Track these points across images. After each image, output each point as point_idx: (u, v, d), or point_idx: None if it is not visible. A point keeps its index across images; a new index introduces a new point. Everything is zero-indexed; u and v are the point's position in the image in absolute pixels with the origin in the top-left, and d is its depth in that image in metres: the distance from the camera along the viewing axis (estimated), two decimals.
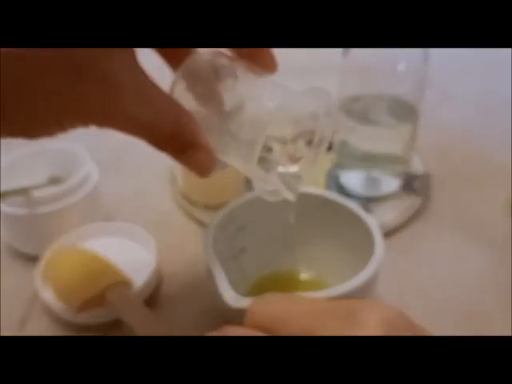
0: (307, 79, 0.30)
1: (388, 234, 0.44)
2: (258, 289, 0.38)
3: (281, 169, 0.30)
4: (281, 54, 0.31)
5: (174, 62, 0.30)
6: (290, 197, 0.31)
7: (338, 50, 0.43)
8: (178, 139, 0.26)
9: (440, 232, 0.46)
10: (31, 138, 0.25)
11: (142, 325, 0.34)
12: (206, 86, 0.30)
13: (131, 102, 0.24)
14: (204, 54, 0.30)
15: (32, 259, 0.42)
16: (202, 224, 0.46)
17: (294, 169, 0.31)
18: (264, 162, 0.29)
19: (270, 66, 0.30)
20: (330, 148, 0.52)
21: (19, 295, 0.40)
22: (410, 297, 0.39)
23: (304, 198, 0.38)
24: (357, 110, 0.45)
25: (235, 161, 0.29)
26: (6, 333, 0.37)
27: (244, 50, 0.29)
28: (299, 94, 0.28)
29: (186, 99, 0.29)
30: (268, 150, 0.30)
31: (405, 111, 0.45)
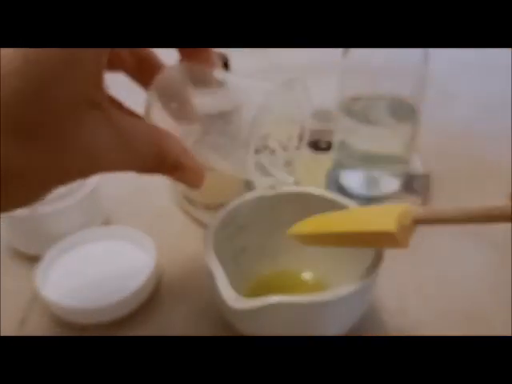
0: (307, 79, 0.30)
1: None
2: (258, 289, 0.38)
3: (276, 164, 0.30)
4: (281, 54, 0.31)
5: (144, 81, 0.30)
6: (289, 185, 0.31)
7: (338, 50, 0.43)
8: (162, 166, 0.27)
9: (440, 232, 0.46)
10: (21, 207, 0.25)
11: None
12: (180, 99, 0.30)
13: (112, 155, 0.24)
14: (172, 67, 0.30)
15: (32, 259, 0.42)
16: (201, 224, 0.46)
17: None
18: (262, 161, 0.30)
19: (208, 63, 0.31)
20: (329, 148, 0.52)
21: (19, 295, 0.40)
22: (410, 297, 0.39)
23: (304, 198, 0.38)
24: (357, 110, 0.45)
25: (232, 163, 0.30)
26: (6, 333, 0.37)
27: (186, 51, 0.30)
28: (280, 91, 0.28)
29: (163, 118, 0.29)
30: (265, 148, 0.30)
31: (405, 111, 0.45)
